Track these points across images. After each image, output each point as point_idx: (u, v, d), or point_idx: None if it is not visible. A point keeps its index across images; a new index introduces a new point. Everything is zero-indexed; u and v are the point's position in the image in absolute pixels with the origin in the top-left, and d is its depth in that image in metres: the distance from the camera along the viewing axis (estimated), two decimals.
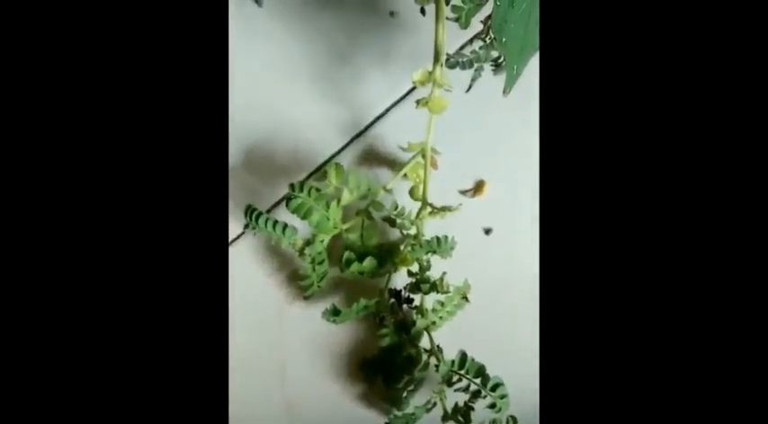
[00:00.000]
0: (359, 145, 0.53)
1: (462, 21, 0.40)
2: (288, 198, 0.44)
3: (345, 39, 0.55)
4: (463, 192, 0.51)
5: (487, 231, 0.51)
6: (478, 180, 0.52)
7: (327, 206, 0.44)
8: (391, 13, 0.55)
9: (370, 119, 0.53)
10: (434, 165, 0.50)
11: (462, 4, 0.40)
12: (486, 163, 0.52)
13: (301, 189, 0.44)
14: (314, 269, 0.45)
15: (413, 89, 0.53)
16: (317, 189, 0.44)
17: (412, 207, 0.48)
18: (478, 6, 0.40)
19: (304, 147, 0.52)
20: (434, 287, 0.44)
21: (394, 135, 0.52)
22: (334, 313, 0.45)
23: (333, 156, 0.52)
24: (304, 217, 0.44)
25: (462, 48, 0.51)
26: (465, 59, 0.43)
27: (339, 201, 0.45)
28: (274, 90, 0.54)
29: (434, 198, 0.48)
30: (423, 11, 0.43)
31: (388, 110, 0.53)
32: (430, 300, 0.45)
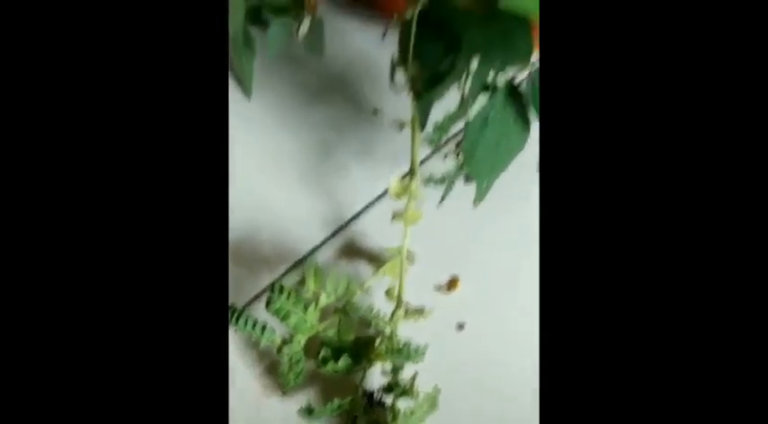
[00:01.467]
0: (341, 238, 0.55)
1: (434, 141, 0.43)
2: (268, 301, 0.46)
3: (331, 134, 0.57)
4: (438, 288, 0.54)
5: (461, 326, 0.53)
6: (452, 275, 0.54)
7: (305, 308, 0.46)
8: (374, 111, 0.58)
9: (353, 212, 0.56)
10: (411, 260, 0.53)
11: (436, 127, 0.43)
12: (461, 258, 0.54)
13: (281, 292, 0.46)
14: (291, 368, 0.47)
15: None
16: (296, 292, 0.47)
17: (389, 304, 0.50)
18: (449, 128, 0.43)
19: (288, 239, 0.55)
20: (405, 392, 0.46)
21: (375, 229, 0.55)
22: (309, 411, 0.47)
23: (315, 249, 0.54)
24: (283, 319, 0.46)
25: (436, 150, 0.54)
26: (437, 178, 0.45)
27: (317, 304, 0.47)
28: (262, 181, 0.56)
29: (410, 294, 0.50)
30: (401, 126, 0.46)
31: (369, 205, 0.56)
32: (403, 401, 0.47)
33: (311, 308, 0.47)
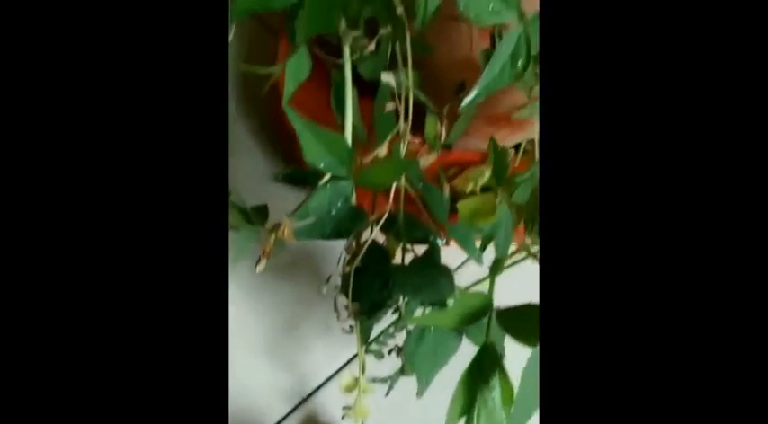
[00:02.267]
0: (303, 411, 0.60)
1: (376, 353, 0.48)
2: None
3: (296, 310, 0.63)
4: None
5: None
6: None
7: None
8: (336, 288, 0.63)
9: (314, 386, 0.61)
10: None
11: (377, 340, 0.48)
12: None
13: None
14: None
15: (353, 358, 0.61)
16: None
17: None
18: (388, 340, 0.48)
19: (253, 412, 0.59)
20: None
21: (334, 402, 0.60)
22: None
23: (279, 423, 0.59)
24: None
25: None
26: (381, 377, 0.51)
27: None
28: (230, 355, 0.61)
29: None
30: (350, 329, 0.51)
31: (328, 380, 0.61)
32: None
33: None
